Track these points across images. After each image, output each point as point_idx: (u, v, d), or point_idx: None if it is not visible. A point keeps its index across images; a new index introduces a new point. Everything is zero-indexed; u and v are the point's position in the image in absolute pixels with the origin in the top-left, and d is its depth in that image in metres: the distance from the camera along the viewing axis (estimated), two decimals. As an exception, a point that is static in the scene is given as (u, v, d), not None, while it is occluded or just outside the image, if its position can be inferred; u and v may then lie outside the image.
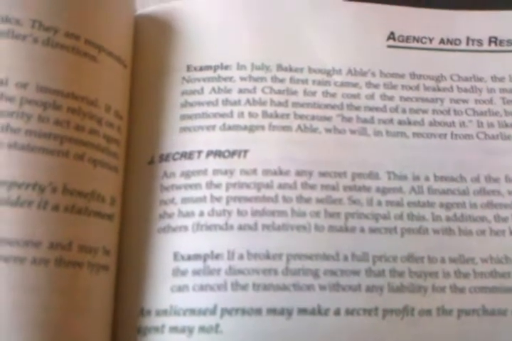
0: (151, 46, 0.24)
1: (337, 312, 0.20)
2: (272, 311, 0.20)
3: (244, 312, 0.20)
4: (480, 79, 0.25)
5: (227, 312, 0.20)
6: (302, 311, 0.20)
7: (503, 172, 0.23)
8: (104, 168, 0.21)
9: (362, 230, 0.21)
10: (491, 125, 0.24)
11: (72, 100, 0.20)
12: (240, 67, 0.24)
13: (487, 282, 0.21)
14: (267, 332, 0.20)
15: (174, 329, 0.20)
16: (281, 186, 0.22)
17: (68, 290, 0.19)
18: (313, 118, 0.23)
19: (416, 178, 0.23)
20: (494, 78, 0.25)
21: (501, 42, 0.26)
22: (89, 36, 0.21)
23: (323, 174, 0.22)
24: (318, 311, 0.20)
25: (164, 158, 0.22)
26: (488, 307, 0.21)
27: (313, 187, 0.22)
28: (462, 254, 0.21)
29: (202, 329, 0.20)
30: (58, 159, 0.19)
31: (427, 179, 0.23)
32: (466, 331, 0.20)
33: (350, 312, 0.20)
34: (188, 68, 0.24)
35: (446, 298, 0.21)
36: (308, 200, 0.22)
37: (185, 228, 0.21)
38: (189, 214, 0.21)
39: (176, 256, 0.21)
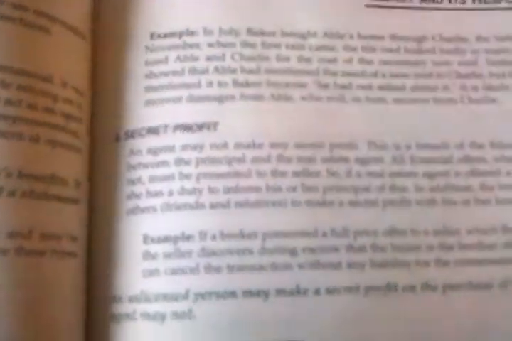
0: (111, 16, 0.23)
1: (317, 292, 0.20)
2: (248, 293, 0.20)
3: (218, 295, 0.19)
4: (463, 40, 0.24)
5: (200, 296, 0.19)
6: (280, 292, 0.20)
7: (487, 137, 0.22)
8: (65, 148, 0.20)
9: (341, 204, 0.21)
10: (475, 88, 0.23)
11: (23, 77, 0.19)
12: (207, 32, 0.23)
13: (473, 254, 0.21)
14: (243, 316, 0.19)
15: (146, 315, 0.19)
16: (254, 160, 0.21)
17: (32, 281, 0.18)
18: (287, 85, 0.22)
19: (397, 147, 0.22)
20: (478, 38, 0.24)
21: (486, 0, 0.25)
22: (39, 7, 0.20)
23: (299, 146, 0.21)
24: (297, 291, 0.20)
25: (130, 134, 0.22)
26: (474, 281, 0.20)
27: (288, 160, 0.21)
28: (446, 226, 0.21)
29: (174, 315, 0.19)
30: (11, 142, 0.18)
31: (408, 147, 0.22)
32: (452, 307, 0.20)
33: (330, 291, 0.20)
34: (152, 36, 0.23)
35: (430, 273, 0.20)
36: (283, 174, 0.21)
37: (154, 209, 0.20)
38: (157, 194, 0.20)
39: (145, 238, 0.20)
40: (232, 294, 0.19)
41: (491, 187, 0.22)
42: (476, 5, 0.25)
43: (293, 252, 0.20)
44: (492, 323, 0.20)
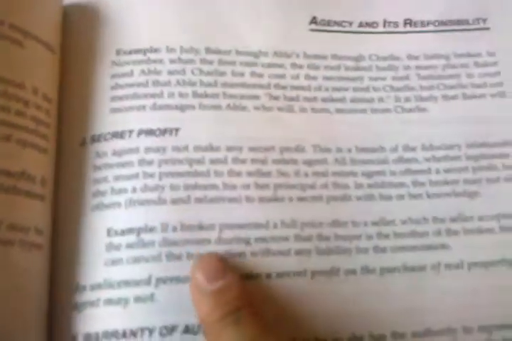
0: (80, 33, 0.24)
1: (268, 276, 0.21)
2: None
3: (178, 280, 0.20)
4: (396, 58, 0.26)
5: (162, 281, 0.20)
6: None
7: (419, 141, 0.24)
8: (34, 149, 0.21)
9: (290, 199, 0.22)
10: (407, 99, 0.25)
11: None
12: (170, 50, 0.24)
13: (407, 241, 0.22)
14: None
15: (109, 301, 0.20)
16: (212, 161, 0.22)
17: (0, 269, 0.18)
18: (242, 97, 0.24)
19: (339, 150, 0.23)
20: (409, 56, 0.26)
21: (415, 24, 0.27)
22: (14, 21, 0.21)
23: (252, 149, 0.23)
24: (251, 276, 0.21)
25: (96, 138, 0.22)
26: (408, 265, 0.22)
27: (243, 161, 0.22)
28: (383, 217, 0.22)
29: (137, 299, 0.20)
30: (-17, 139, 0.19)
31: (349, 151, 0.23)
32: (389, 287, 0.21)
33: (280, 275, 0.21)
34: (118, 52, 0.24)
35: (369, 258, 0.21)
36: (238, 174, 0.22)
37: (118, 204, 0.21)
38: (122, 191, 0.21)
39: (109, 231, 0.21)
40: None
41: (422, 184, 0.23)
42: (407, 28, 0.27)
43: (247, 242, 0.21)
44: (424, 303, 0.21)
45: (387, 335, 0.20)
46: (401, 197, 0.23)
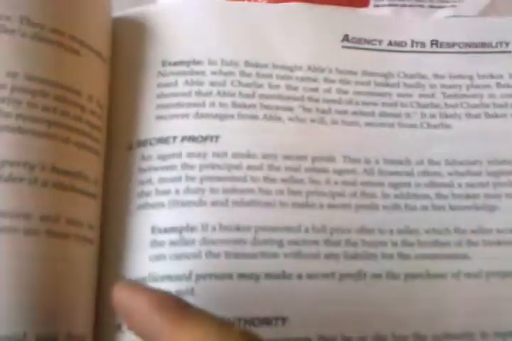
0: (129, 44, 0.26)
1: (299, 277, 0.22)
2: (242, 276, 0.21)
3: (216, 277, 0.21)
4: (423, 77, 0.27)
5: (201, 277, 0.21)
6: (268, 276, 0.21)
7: (443, 156, 0.25)
8: (88, 151, 0.22)
9: (321, 206, 0.23)
10: (432, 116, 0.26)
11: (58, 89, 0.21)
12: (211, 62, 0.25)
13: (430, 250, 0.23)
14: (237, 294, 0.21)
15: None
16: (249, 167, 0.23)
17: (58, 259, 0.19)
18: (277, 108, 0.25)
19: (368, 161, 0.24)
20: (435, 75, 0.27)
21: (441, 45, 0.28)
22: (72, 32, 0.22)
23: (286, 157, 0.24)
24: (283, 276, 0.21)
25: (142, 143, 0.24)
26: (431, 272, 0.22)
27: (277, 168, 0.23)
28: (408, 226, 0.23)
29: (178, 293, 0.21)
30: (47, 141, 0.20)
31: (377, 162, 0.24)
32: (412, 292, 0.22)
33: (310, 276, 0.22)
34: (163, 63, 0.25)
35: (394, 264, 0.22)
36: (273, 180, 0.23)
37: (162, 204, 0.22)
38: (165, 193, 0.22)
39: (153, 229, 0.22)
40: (229, 276, 0.21)
41: (445, 196, 0.24)
42: (434, 49, 0.28)
43: (280, 244, 0.22)
44: (445, 308, 0.22)
45: (409, 336, 0.21)
46: (425, 208, 0.23)
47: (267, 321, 0.21)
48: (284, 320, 0.21)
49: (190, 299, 0.20)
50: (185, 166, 0.23)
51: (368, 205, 0.23)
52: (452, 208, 0.24)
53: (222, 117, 0.24)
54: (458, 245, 0.23)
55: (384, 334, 0.21)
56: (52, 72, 0.21)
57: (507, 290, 0.22)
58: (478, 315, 0.22)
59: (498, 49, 0.28)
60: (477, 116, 0.26)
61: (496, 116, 0.26)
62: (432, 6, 0.29)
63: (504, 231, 0.23)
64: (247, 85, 0.25)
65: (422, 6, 0.29)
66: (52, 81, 0.21)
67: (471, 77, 0.27)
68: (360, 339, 0.21)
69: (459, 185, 0.24)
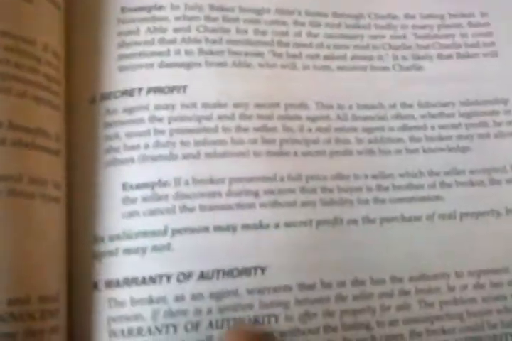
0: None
1: (277, 226, 0.21)
2: (218, 228, 0.21)
3: (193, 230, 0.21)
4: (394, 17, 0.26)
5: (177, 231, 0.20)
6: (245, 227, 0.21)
7: (415, 98, 0.24)
8: (47, 106, 0.20)
9: (295, 154, 0.22)
10: (404, 58, 0.25)
11: (10, 39, 0.19)
12: (174, 7, 0.23)
13: (404, 193, 0.23)
14: (215, 247, 0.21)
15: (127, 251, 0.20)
16: (220, 118, 0.22)
17: (23, 220, 0.18)
18: (246, 54, 0.23)
19: (341, 107, 0.23)
20: (407, 16, 0.26)
21: (412, -16, 0.26)
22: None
23: (258, 105, 0.23)
24: (260, 225, 0.21)
25: (106, 96, 0.22)
26: (405, 215, 0.22)
27: (249, 117, 0.22)
28: (382, 171, 0.23)
29: (154, 248, 0.20)
30: (1, 96, 0.19)
31: (350, 107, 0.24)
32: (388, 236, 0.22)
33: (288, 225, 0.21)
34: (123, 10, 0.23)
35: (369, 209, 0.22)
36: (245, 129, 0.22)
37: (132, 160, 0.21)
38: (134, 147, 0.21)
39: (124, 186, 0.21)
40: (205, 229, 0.21)
41: (418, 139, 0.23)
42: None
43: (256, 194, 0.21)
44: (420, 250, 0.22)
45: (387, 279, 0.21)
46: (399, 151, 0.23)
47: (246, 271, 0.20)
48: (263, 269, 0.21)
49: (166, 254, 0.20)
50: (153, 119, 0.22)
51: (342, 151, 0.23)
52: (425, 151, 0.23)
53: (188, 66, 0.23)
54: (432, 187, 0.23)
55: (362, 278, 0.21)
56: (2, 21, 0.19)
57: (480, 230, 0.22)
58: (453, 256, 0.22)
59: (469, -14, 0.26)
60: (449, 57, 0.25)
61: (467, 56, 0.25)
62: None
63: (476, 171, 0.23)
64: (214, 31, 0.23)
65: None
66: (3, 30, 0.19)
67: (442, 17, 0.26)
68: (339, 284, 0.21)
69: (432, 128, 0.24)
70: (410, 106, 0.24)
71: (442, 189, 0.23)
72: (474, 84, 0.25)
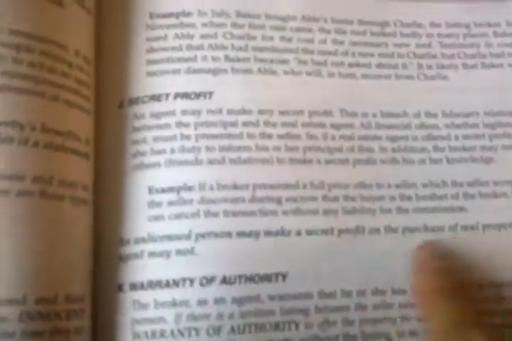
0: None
1: (298, 233, 0.21)
2: (241, 234, 0.21)
3: (216, 235, 0.21)
4: (420, 26, 0.25)
5: (201, 236, 0.21)
6: (268, 233, 0.21)
7: (440, 108, 0.24)
8: (78, 109, 0.21)
9: (318, 162, 0.22)
10: (429, 67, 0.25)
11: (44, 43, 0.20)
12: (201, 14, 0.24)
13: (427, 203, 0.22)
14: (238, 252, 0.21)
15: (152, 254, 0.20)
16: (245, 124, 0.22)
17: (53, 221, 0.19)
18: (271, 61, 0.23)
19: (365, 115, 0.23)
20: (432, 24, 0.26)
21: (439, -7, 0.26)
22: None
23: (282, 112, 0.23)
24: (282, 232, 0.21)
25: (134, 101, 0.22)
26: (428, 225, 0.22)
27: (274, 124, 0.22)
28: (405, 180, 0.22)
29: (178, 252, 0.20)
30: (35, 99, 0.19)
31: (374, 115, 0.23)
32: (410, 245, 0.22)
33: (309, 232, 0.21)
34: (151, 16, 0.23)
35: (392, 218, 0.22)
36: (270, 136, 0.22)
37: (158, 164, 0.21)
38: (161, 152, 0.21)
39: (150, 189, 0.21)
40: (228, 234, 0.21)
41: (442, 149, 0.23)
42: None
43: (278, 201, 0.21)
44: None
45: (408, 289, 0.21)
46: (422, 161, 0.23)
47: (267, 278, 0.20)
48: (284, 276, 0.21)
49: (190, 258, 0.20)
50: (179, 124, 0.22)
51: (365, 160, 0.23)
52: (449, 161, 0.23)
53: (215, 72, 0.23)
54: (455, 198, 0.22)
55: (383, 287, 0.21)
56: (37, 26, 0.20)
57: (503, 242, 0.22)
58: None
59: (496, -4, 0.26)
60: (474, 67, 0.25)
61: (492, 66, 0.25)
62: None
63: (500, 183, 0.23)
64: (240, 37, 0.23)
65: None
66: (37, 35, 0.19)
67: (467, 26, 0.26)
68: (359, 292, 0.21)
69: (456, 138, 0.23)
70: (434, 115, 0.24)
71: (465, 200, 0.23)
72: (499, 95, 0.24)
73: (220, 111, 0.22)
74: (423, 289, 0.19)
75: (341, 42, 0.24)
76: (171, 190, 0.21)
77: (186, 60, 0.23)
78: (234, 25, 0.24)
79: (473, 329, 0.18)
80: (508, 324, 0.21)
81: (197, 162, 0.21)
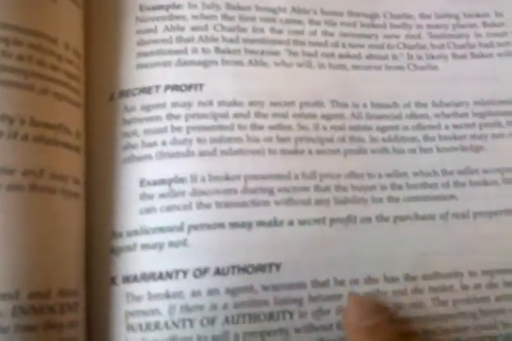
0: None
1: (291, 223, 0.21)
2: (234, 225, 0.21)
3: (209, 227, 0.20)
4: (409, 17, 0.25)
5: (193, 227, 0.20)
6: (260, 223, 0.21)
7: (430, 98, 0.24)
8: (68, 102, 0.20)
9: (310, 152, 0.22)
10: (419, 57, 0.25)
11: (33, 36, 0.19)
12: (192, 6, 0.23)
13: (418, 192, 0.22)
14: (230, 243, 0.20)
15: (145, 246, 0.20)
16: (236, 115, 0.22)
17: (45, 214, 0.19)
18: (262, 53, 0.23)
19: (355, 105, 0.23)
20: (422, 15, 0.25)
21: (428, -17, 0.26)
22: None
23: (273, 104, 0.22)
24: (275, 223, 0.21)
25: (124, 93, 0.22)
26: (419, 214, 0.22)
27: (265, 115, 0.22)
28: (396, 170, 0.22)
29: (171, 244, 0.20)
30: (24, 92, 0.19)
31: (364, 106, 0.23)
32: (402, 234, 0.22)
33: (302, 222, 0.21)
34: (141, 8, 0.23)
35: (383, 207, 0.22)
36: (261, 127, 0.22)
37: (150, 157, 0.21)
38: (152, 144, 0.21)
39: (142, 182, 0.21)
40: (221, 225, 0.20)
41: (432, 138, 0.23)
42: None
43: (270, 191, 0.21)
44: (434, 248, 0.22)
45: (400, 277, 0.21)
46: (413, 150, 0.23)
47: (260, 268, 0.20)
48: (277, 266, 0.20)
49: (183, 250, 0.20)
50: (170, 116, 0.21)
51: (356, 150, 0.22)
52: (439, 150, 0.23)
53: (205, 64, 0.22)
54: (445, 186, 0.22)
55: (375, 276, 0.21)
56: (26, 19, 0.19)
57: (493, 230, 0.22)
58: (466, 255, 0.22)
59: (484, -14, 0.26)
60: (463, 57, 0.25)
61: (482, 56, 0.25)
62: None
63: (490, 171, 0.23)
64: (230, 29, 0.23)
65: None
66: (27, 28, 0.19)
67: (457, 16, 0.26)
68: (352, 281, 0.21)
69: (446, 127, 0.23)
70: (424, 105, 0.24)
71: (456, 188, 0.22)
72: (488, 84, 0.24)
73: (210, 103, 0.22)
74: None
75: (331, 34, 0.24)
76: (162, 182, 0.21)
77: (177, 52, 0.22)
78: (224, 17, 0.23)
79: None
80: (499, 310, 0.21)
81: (188, 154, 0.21)
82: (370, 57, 0.24)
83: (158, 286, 0.20)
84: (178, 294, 0.20)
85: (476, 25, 0.26)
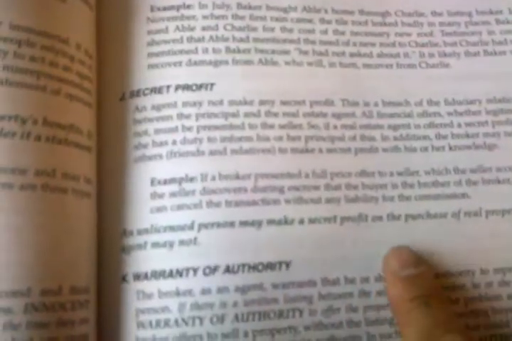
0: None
1: (301, 222, 0.21)
2: (244, 223, 0.20)
3: (219, 225, 0.20)
4: (421, 15, 0.25)
5: (203, 226, 0.20)
6: (270, 222, 0.21)
7: (442, 96, 0.23)
8: (80, 103, 0.20)
9: (320, 151, 0.22)
10: (431, 55, 0.24)
11: (45, 38, 0.19)
12: (202, 6, 0.23)
13: (430, 191, 0.22)
14: (241, 241, 0.20)
15: (156, 244, 0.20)
16: (246, 115, 0.22)
17: (56, 214, 0.19)
18: (273, 52, 0.23)
19: (366, 104, 0.23)
20: (434, 13, 0.25)
21: (439, -19, 0.26)
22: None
23: (284, 103, 0.22)
24: (285, 221, 0.21)
25: (135, 93, 0.22)
26: (431, 212, 0.22)
27: (275, 114, 0.22)
28: (408, 168, 0.22)
29: (181, 242, 0.20)
30: (36, 93, 0.19)
31: (376, 104, 0.23)
32: (413, 232, 0.21)
33: (312, 221, 0.21)
34: (152, 9, 0.23)
35: (394, 206, 0.21)
36: (271, 126, 0.22)
37: (160, 156, 0.21)
38: (162, 144, 0.21)
39: (152, 181, 0.21)
40: (231, 224, 0.20)
41: (445, 136, 0.23)
42: None
43: (281, 190, 0.21)
44: (445, 247, 0.21)
45: (411, 276, 0.21)
46: (425, 149, 0.22)
47: (270, 266, 0.20)
48: (287, 264, 0.20)
49: (193, 248, 0.20)
50: (180, 116, 0.21)
51: (367, 148, 0.22)
52: (452, 148, 0.23)
53: (216, 64, 0.22)
54: (457, 185, 0.22)
55: (386, 274, 0.21)
56: (38, 20, 0.19)
57: (506, 228, 0.22)
58: (478, 253, 0.21)
59: (497, -17, 0.25)
60: (476, 54, 0.24)
61: (495, 53, 0.24)
62: None
63: (503, 169, 0.22)
64: (241, 29, 0.23)
65: None
66: (39, 30, 0.19)
67: (469, 14, 0.25)
68: (363, 279, 0.21)
69: (459, 125, 0.23)
70: (437, 103, 0.23)
71: (468, 186, 0.22)
72: (501, 82, 0.24)
73: (221, 102, 0.22)
74: (397, 298, 0.19)
75: (342, 33, 0.24)
76: (173, 181, 0.21)
77: (187, 52, 0.22)
78: (235, 16, 0.23)
79: (449, 334, 0.17)
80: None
81: (198, 153, 0.21)
82: (381, 55, 0.24)
83: (168, 284, 0.20)
84: (188, 292, 0.20)
85: (489, 22, 0.25)
